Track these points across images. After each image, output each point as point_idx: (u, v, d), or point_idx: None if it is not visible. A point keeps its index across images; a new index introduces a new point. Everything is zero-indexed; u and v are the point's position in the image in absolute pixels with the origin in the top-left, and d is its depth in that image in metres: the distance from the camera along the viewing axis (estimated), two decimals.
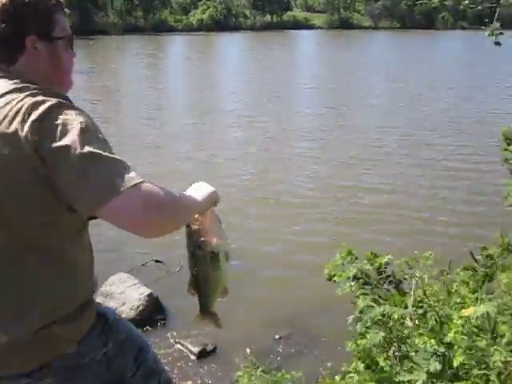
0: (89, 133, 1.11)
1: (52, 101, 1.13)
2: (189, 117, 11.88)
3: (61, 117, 1.11)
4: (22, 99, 1.12)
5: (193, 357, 3.61)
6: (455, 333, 1.56)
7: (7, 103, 1.12)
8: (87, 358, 1.33)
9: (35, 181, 1.11)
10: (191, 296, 1.49)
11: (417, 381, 1.64)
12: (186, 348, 3.66)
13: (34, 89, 1.15)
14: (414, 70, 19.70)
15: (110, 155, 1.11)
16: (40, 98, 1.12)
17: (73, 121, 1.11)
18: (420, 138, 9.73)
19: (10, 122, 1.10)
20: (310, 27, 54.91)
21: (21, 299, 1.22)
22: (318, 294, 4.38)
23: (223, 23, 52.24)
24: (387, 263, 1.93)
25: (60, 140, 1.08)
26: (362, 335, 1.91)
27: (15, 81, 1.17)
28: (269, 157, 8.52)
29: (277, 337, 3.89)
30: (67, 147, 1.07)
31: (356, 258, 1.97)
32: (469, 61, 22.84)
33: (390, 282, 1.96)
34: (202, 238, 1.38)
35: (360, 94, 14.43)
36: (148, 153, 8.75)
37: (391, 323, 1.81)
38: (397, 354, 1.81)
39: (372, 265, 1.91)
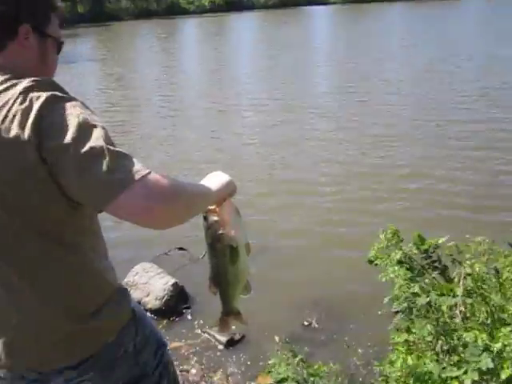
0: (87, 127, 1.06)
1: (46, 95, 1.07)
2: (203, 101, 11.66)
3: (57, 113, 1.06)
4: (17, 97, 1.06)
5: (221, 346, 3.52)
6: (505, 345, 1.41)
7: (4, 104, 1.07)
8: (123, 349, 1.33)
9: (39, 181, 1.08)
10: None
11: (465, 377, 1.51)
12: (214, 337, 3.57)
13: (27, 82, 1.09)
14: (433, 43, 19.12)
15: (111, 148, 1.05)
16: (35, 94, 1.07)
17: (69, 115, 1.06)
18: (445, 114, 9.37)
19: (10, 125, 1.05)
20: (325, 2, 53.78)
21: (58, 293, 1.21)
22: (344, 278, 4.27)
23: (236, 3, 51.50)
24: (436, 247, 1.77)
25: (59, 139, 1.03)
26: (408, 328, 1.77)
27: (5, 75, 1.12)
28: (286, 140, 8.24)
29: (305, 323, 3.78)
30: (67, 146, 1.03)
31: (401, 241, 1.82)
32: (493, 29, 22.07)
33: (435, 267, 1.81)
34: (221, 231, 1.32)
35: (378, 72, 14.04)
36: (162, 141, 8.63)
37: (439, 314, 1.67)
38: (444, 348, 1.67)
39: (418, 248, 1.76)
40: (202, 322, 3.76)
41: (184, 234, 5.15)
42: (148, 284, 3.87)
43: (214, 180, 1.33)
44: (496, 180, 6.19)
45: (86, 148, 1.03)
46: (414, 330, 1.69)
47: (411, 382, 1.58)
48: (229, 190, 1.35)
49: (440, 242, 1.79)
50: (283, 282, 4.23)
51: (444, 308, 1.61)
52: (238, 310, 1.48)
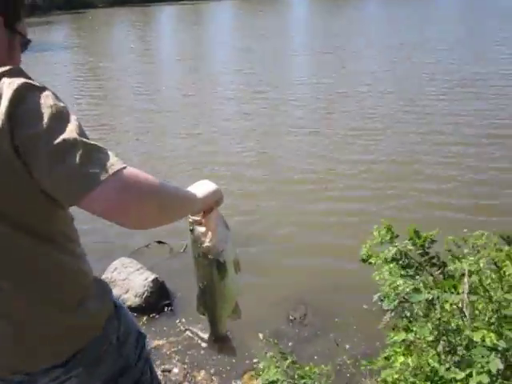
0: (60, 118, 1.01)
1: (18, 82, 1.01)
2: (182, 91, 11.35)
3: (30, 101, 1.00)
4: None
5: (204, 344, 3.39)
6: None
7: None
8: (108, 342, 1.30)
9: (14, 173, 1.01)
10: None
11: (471, 379, 1.41)
12: (197, 335, 3.45)
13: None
14: (414, 30, 19.10)
15: (85, 141, 1.00)
16: (7, 80, 1.01)
17: (43, 105, 1.00)
18: (427, 103, 9.32)
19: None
20: None
21: (44, 289, 1.17)
22: (328, 272, 4.20)
23: None
24: (432, 241, 1.67)
25: (31, 128, 0.98)
26: (407, 327, 1.67)
27: None
28: (269, 130, 8.09)
29: (291, 318, 3.69)
30: (39, 136, 0.98)
31: (396, 236, 1.72)
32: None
33: (433, 264, 1.71)
34: (207, 244, 1.23)
35: (358, 61, 13.97)
36: (139, 134, 8.30)
37: (440, 313, 1.57)
38: (447, 348, 1.58)
39: (415, 244, 1.66)
40: (183, 319, 3.63)
41: (163, 226, 5.02)
42: (127, 280, 3.72)
43: (200, 188, 1.26)
44: (487, 177, 6.08)
45: (59, 140, 0.98)
46: (414, 329, 1.59)
47: (417, 382, 1.48)
48: (215, 198, 1.28)
49: (435, 233, 1.68)
50: (267, 277, 4.13)
51: (447, 306, 1.52)
52: (225, 334, 1.39)
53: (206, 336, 3.36)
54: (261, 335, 3.45)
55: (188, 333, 3.48)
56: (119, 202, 1.00)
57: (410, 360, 1.54)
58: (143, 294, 3.65)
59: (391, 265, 1.68)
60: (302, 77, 12.37)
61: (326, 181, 6.05)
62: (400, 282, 1.62)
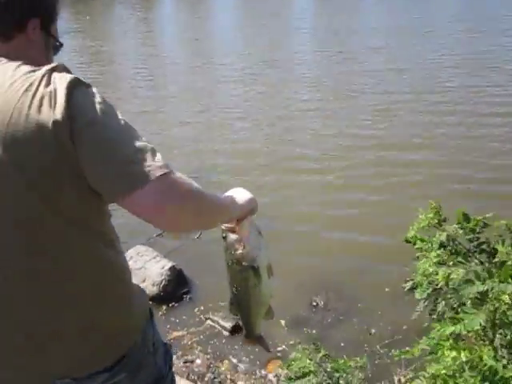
0: (111, 113, 1.03)
1: (70, 77, 1.03)
2: (184, 74, 10.98)
3: (82, 95, 1.02)
4: (40, 80, 1.01)
5: (226, 333, 3.31)
6: None
7: (27, 88, 1.00)
8: (146, 349, 1.29)
9: (72, 167, 1.00)
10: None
11: None
12: (218, 324, 3.36)
13: (46, 67, 1.05)
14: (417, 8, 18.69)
15: (135, 139, 1.01)
16: (58, 75, 1.03)
17: (95, 101, 1.02)
18: (437, 81, 9.09)
19: (39, 109, 0.98)
20: None
21: (97, 289, 1.15)
22: (349, 256, 4.09)
23: None
24: (484, 225, 1.53)
25: (85, 121, 0.99)
26: (454, 319, 1.55)
27: (18, 62, 1.07)
28: (275, 115, 7.78)
29: (313, 303, 3.59)
30: (91, 129, 0.99)
31: (444, 220, 1.59)
32: None
33: (482, 250, 1.58)
34: (240, 251, 1.25)
35: (362, 38, 13.67)
36: (144, 118, 7.80)
37: (496, 304, 1.45)
38: (503, 343, 1.46)
39: (463, 228, 1.53)
40: (203, 307, 3.54)
41: None
42: (143, 269, 3.62)
43: (235, 196, 1.26)
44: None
45: (111, 134, 1.00)
46: (465, 321, 1.47)
47: (473, 380, 1.37)
48: (250, 207, 1.28)
49: (488, 217, 1.55)
50: (289, 263, 4.00)
51: (505, 297, 1.39)
52: (259, 334, 1.42)
53: (227, 325, 3.31)
54: (283, 322, 3.37)
55: (209, 322, 3.39)
56: (159, 204, 0.99)
57: (462, 355, 1.42)
58: (161, 282, 3.55)
59: (438, 251, 1.56)
60: (306, 55, 12.14)
61: (344, 166, 5.89)
62: (448, 271, 1.49)
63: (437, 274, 1.92)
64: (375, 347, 3.08)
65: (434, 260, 1.52)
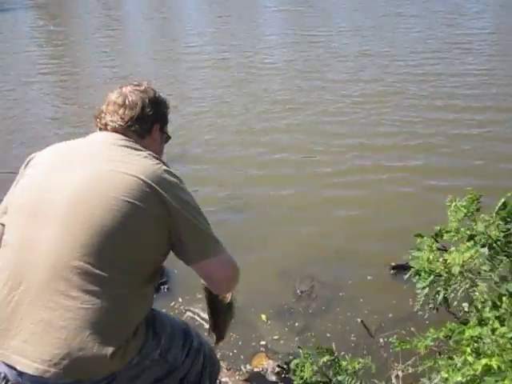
0: (192, 197, 1.52)
1: (167, 166, 1.53)
2: (153, 64, 10.06)
3: (174, 180, 1.49)
4: (155, 164, 1.49)
5: (207, 326, 3.11)
6: None
7: (148, 166, 1.47)
8: (148, 361, 1.52)
9: (160, 227, 1.45)
10: None
11: None
12: (198, 315, 3.17)
13: (159, 159, 1.56)
14: None
15: (205, 217, 1.53)
16: (164, 167, 1.51)
17: (182, 186, 1.51)
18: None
19: (148, 180, 1.42)
20: None
21: (114, 318, 1.39)
22: (330, 243, 3.97)
23: None
24: None
25: (178, 198, 1.46)
26: (481, 321, 1.41)
27: (147, 152, 1.55)
28: (248, 100, 7.38)
29: (297, 292, 3.44)
30: (187, 205, 1.47)
31: (478, 210, 1.44)
32: None
33: (508, 242, 1.44)
34: (228, 296, 1.85)
35: (335, 17, 13.44)
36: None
37: None
38: None
39: (504, 219, 1.38)
40: (180, 299, 3.35)
41: None
42: None
43: None
44: None
45: (196, 214, 1.49)
46: (495, 325, 1.33)
47: None
48: None
49: None
50: (271, 250, 3.86)
51: None
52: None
53: (208, 317, 3.12)
54: (263, 316, 3.22)
55: (189, 314, 3.20)
56: (223, 276, 1.59)
57: (494, 362, 1.28)
58: None
59: (468, 243, 1.41)
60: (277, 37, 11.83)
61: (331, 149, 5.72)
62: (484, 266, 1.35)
63: (437, 261, 1.80)
64: (364, 337, 2.97)
65: (466, 254, 1.37)
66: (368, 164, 5.25)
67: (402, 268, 3.23)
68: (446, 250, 1.86)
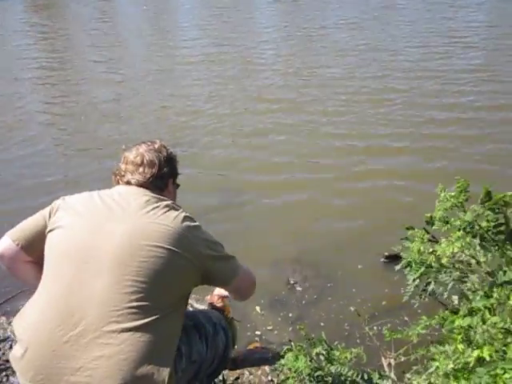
0: (208, 233, 1.80)
1: (186, 213, 1.77)
2: (149, 60, 9.62)
3: (195, 223, 1.76)
4: (179, 213, 1.74)
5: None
6: None
7: (174, 216, 1.71)
8: (179, 374, 1.71)
9: (190, 264, 1.69)
10: None
11: None
12: (192, 307, 3.19)
13: (181, 209, 1.80)
14: None
15: (220, 244, 1.82)
16: (185, 213, 1.77)
17: (200, 227, 1.78)
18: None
19: (176, 227, 1.68)
20: None
21: (165, 345, 1.61)
22: (323, 231, 3.99)
23: None
24: (505, 203, 1.39)
25: (202, 238, 1.74)
26: (471, 310, 1.43)
27: (169, 202, 1.79)
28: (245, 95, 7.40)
29: (291, 282, 3.46)
30: (207, 242, 1.75)
31: (467, 199, 1.45)
32: None
33: (499, 232, 1.45)
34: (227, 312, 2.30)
35: (333, 10, 13.35)
36: (107, 113, 7.16)
37: None
38: None
39: (489, 208, 1.39)
40: None
41: None
42: None
43: None
44: None
45: (215, 246, 1.77)
46: (487, 315, 1.35)
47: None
48: None
49: (509, 196, 1.41)
50: (263, 240, 3.88)
51: None
52: None
53: (202, 307, 3.14)
54: (261, 303, 3.24)
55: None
56: (247, 287, 1.96)
57: (485, 353, 1.30)
58: None
59: (459, 233, 1.42)
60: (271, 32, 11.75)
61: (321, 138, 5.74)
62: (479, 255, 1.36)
63: (430, 252, 1.81)
64: (357, 326, 2.99)
65: (456, 244, 1.38)
66: (363, 158, 5.26)
67: (395, 258, 3.25)
68: (436, 242, 1.88)
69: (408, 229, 1.70)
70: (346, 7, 13.24)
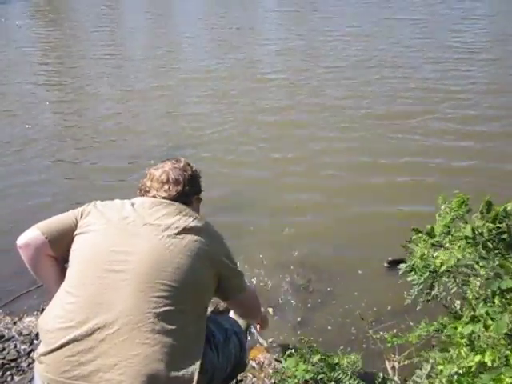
0: (227, 246, 1.94)
1: (207, 221, 1.90)
2: (152, 62, 9.61)
3: (217, 234, 1.91)
4: (203, 226, 1.85)
5: None
6: None
7: (202, 226, 1.84)
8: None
9: (212, 273, 1.82)
10: None
11: None
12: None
13: (205, 221, 1.91)
14: None
15: (234, 257, 1.96)
16: (209, 226, 1.89)
17: (221, 237, 1.92)
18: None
19: (202, 238, 1.80)
20: None
21: (193, 346, 1.70)
22: (329, 237, 3.98)
23: None
24: (506, 215, 1.40)
25: (222, 249, 1.89)
26: (473, 317, 1.42)
27: (195, 214, 1.91)
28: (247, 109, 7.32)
29: (295, 286, 3.46)
30: (226, 251, 1.90)
31: (468, 211, 1.46)
32: None
33: (501, 240, 1.45)
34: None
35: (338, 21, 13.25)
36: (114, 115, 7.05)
37: None
38: None
39: (488, 220, 1.39)
40: None
41: None
42: None
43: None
44: None
45: (232, 258, 1.91)
46: (489, 323, 1.34)
47: None
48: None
49: (510, 207, 1.41)
50: (266, 245, 3.87)
51: None
52: None
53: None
54: (270, 309, 3.24)
55: None
56: (252, 304, 2.14)
57: (487, 359, 1.30)
58: None
59: (460, 243, 1.42)
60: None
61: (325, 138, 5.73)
62: (478, 266, 1.36)
63: (433, 257, 1.81)
64: (363, 329, 2.98)
65: (457, 254, 1.38)
66: (367, 161, 5.26)
67: (398, 263, 3.24)
68: (441, 246, 1.88)
69: (414, 230, 1.70)
70: (354, 19, 13.08)
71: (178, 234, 1.75)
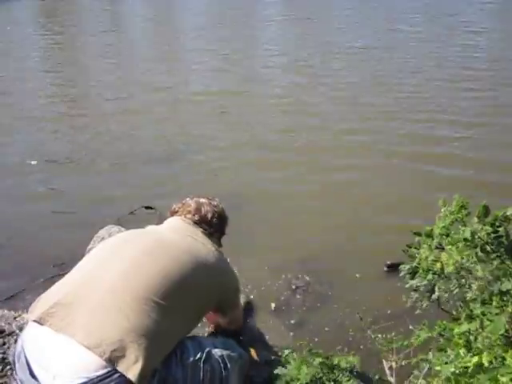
0: (232, 268, 2.27)
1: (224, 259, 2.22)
2: (154, 52, 10.14)
3: (230, 268, 2.24)
4: (220, 256, 2.15)
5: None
6: None
7: (211, 253, 2.08)
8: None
9: (215, 293, 2.06)
10: None
11: None
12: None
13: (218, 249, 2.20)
14: None
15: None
16: (221, 255, 2.18)
17: (227, 262, 2.24)
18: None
19: (215, 262, 2.06)
20: None
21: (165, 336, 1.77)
22: (328, 240, 3.99)
23: None
24: (505, 219, 1.42)
25: (227, 271, 2.18)
26: (470, 317, 1.45)
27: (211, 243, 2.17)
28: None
29: (293, 287, 3.47)
30: (231, 274, 2.21)
31: (467, 214, 1.48)
32: None
33: (499, 243, 1.47)
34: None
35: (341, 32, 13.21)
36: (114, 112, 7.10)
37: None
38: None
39: (485, 224, 1.42)
40: None
41: (149, 190, 4.70)
42: None
43: None
44: None
45: (235, 281, 2.25)
46: (486, 323, 1.36)
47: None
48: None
49: (509, 212, 1.44)
50: (264, 245, 3.89)
51: None
52: None
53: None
54: (273, 305, 3.26)
55: None
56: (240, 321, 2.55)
57: (484, 359, 1.32)
58: None
59: (461, 245, 1.45)
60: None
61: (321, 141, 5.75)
62: (477, 267, 1.38)
63: (436, 260, 1.83)
64: (361, 331, 3.00)
65: (456, 256, 1.40)
66: (368, 162, 5.28)
67: (397, 266, 3.25)
68: (443, 249, 1.90)
69: (415, 234, 1.72)
70: (359, 31, 12.98)
71: (202, 250, 2.02)
